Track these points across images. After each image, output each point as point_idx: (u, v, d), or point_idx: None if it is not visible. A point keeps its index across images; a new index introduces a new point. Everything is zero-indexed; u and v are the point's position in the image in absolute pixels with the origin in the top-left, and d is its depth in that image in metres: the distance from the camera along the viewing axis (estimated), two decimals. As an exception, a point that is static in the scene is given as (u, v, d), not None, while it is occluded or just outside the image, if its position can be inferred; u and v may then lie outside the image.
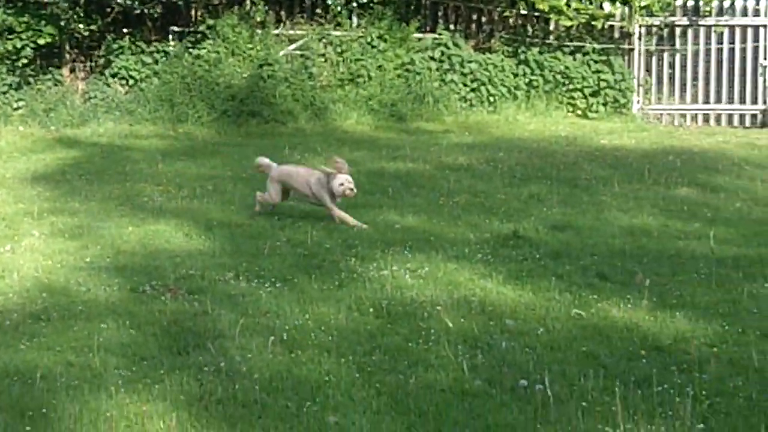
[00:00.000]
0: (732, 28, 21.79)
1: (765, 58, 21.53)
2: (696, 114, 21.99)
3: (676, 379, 6.90)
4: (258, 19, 21.37)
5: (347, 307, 8.48)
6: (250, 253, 10.39)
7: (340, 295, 8.82)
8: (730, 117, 21.80)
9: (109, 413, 6.39)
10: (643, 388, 6.72)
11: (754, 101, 21.71)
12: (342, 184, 11.50)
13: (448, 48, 21.57)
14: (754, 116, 21.68)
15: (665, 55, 22.17)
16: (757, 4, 21.75)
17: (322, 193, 11.65)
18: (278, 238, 10.94)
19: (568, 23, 21.58)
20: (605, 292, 8.88)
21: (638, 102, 22.04)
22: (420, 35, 21.83)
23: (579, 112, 21.49)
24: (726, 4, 21.82)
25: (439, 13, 22.75)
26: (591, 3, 21.73)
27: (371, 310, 8.40)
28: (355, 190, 11.62)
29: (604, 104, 21.55)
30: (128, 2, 20.63)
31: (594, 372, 6.99)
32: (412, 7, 22.59)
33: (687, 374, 6.98)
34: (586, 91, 21.50)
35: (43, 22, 20.30)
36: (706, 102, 22.00)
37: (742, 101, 21.81)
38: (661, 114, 22.08)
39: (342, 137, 18.81)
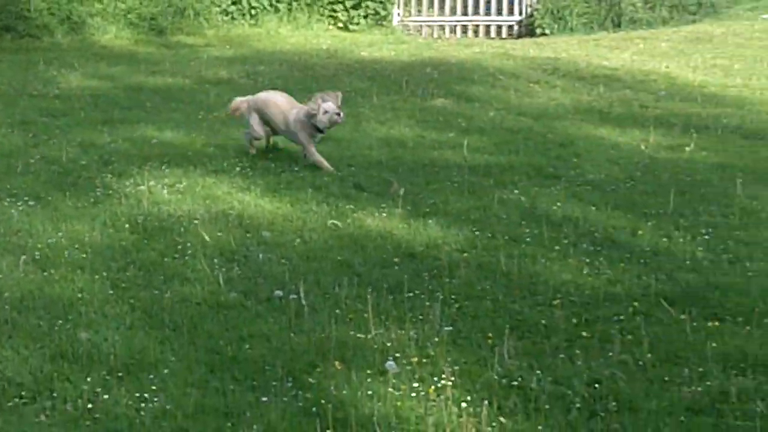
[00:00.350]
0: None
1: (521, -29, 22.01)
2: (455, 26, 22.36)
3: (427, 284, 7.09)
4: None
5: (102, 223, 8.39)
6: (2, 171, 10.14)
7: (95, 212, 8.70)
8: (488, 28, 22.25)
9: None
10: (395, 294, 6.88)
11: (511, 12, 22.19)
12: (327, 112, 10.07)
13: (208, -41, 21.29)
14: (511, 27, 22.18)
15: (424, -33, 22.42)
16: None
17: (298, 130, 10.31)
18: (32, 156, 10.68)
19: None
20: (361, 201, 9.02)
21: (398, 14, 22.25)
22: (179, -54, 21.47)
23: (340, 24, 21.59)
24: None
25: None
26: None
27: (127, 226, 8.33)
28: (342, 115, 10.21)
29: (365, 16, 21.69)
30: None
31: (348, 280, 7.12)
32: None
33: (438, 279, 7.18)
34: (348, 3, 21.59)
35: None
36: (465, 14, 22.38)
37: (500, 13, 22.27)
38: (421, 26, 22.37)
39: (100, 52, 18.41)
